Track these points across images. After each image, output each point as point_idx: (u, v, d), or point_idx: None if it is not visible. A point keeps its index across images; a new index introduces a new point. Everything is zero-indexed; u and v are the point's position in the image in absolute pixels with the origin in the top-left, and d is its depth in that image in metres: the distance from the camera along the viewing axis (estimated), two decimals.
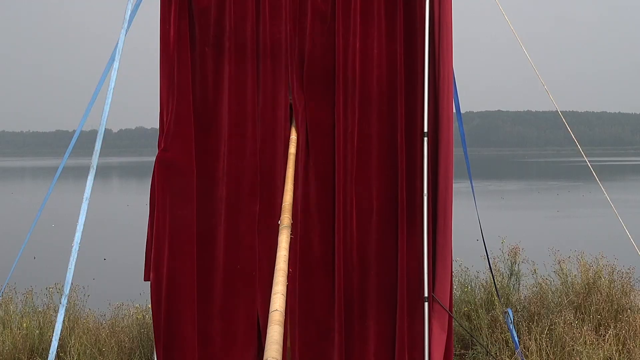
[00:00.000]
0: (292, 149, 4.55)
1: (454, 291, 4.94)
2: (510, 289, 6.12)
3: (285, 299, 3.27)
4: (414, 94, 4.96)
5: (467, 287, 6.07)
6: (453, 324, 4.50)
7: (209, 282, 4.85)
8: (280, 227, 3.95)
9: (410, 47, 4.97)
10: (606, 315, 5.47)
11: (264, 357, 2.81)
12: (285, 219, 4.02)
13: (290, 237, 4.15)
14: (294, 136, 4.60)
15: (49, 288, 6.17)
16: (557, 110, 5.16)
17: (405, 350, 4.78)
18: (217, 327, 4.84)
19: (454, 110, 4.93)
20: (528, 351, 4.88)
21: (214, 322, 4.82)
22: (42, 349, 5.28)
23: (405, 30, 4.98)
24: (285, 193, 4.27)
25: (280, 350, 2.86)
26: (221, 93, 5.01)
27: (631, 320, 5.22)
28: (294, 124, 4.64)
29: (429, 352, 4.30)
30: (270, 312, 3.11)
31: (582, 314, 5.52)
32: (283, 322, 3.07)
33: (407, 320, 4.78)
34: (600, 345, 4.94)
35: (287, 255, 3.72)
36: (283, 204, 4.17)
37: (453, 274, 4.96)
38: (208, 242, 4.88)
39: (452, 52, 4.57)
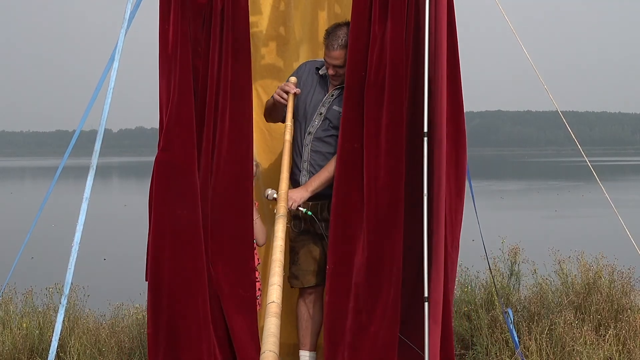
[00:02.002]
0: (288, 136, 4.45)
1: (454, 291, 4.92)
2: (510, 289, 6.11)
3: (282, 290, 3.24)
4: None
5: (467, 287, 6.07)
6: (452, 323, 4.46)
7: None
8: (276, 216, 3.88)
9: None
10: (606, 315, 5.47)
11: (261, 350, 2.81)
12: (281, 207, 3.94)
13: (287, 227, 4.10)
14: (289, 122, 4.51)
15: (49, 288, 6.15)
16: (557, 110, 5.15)
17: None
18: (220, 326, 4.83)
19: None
20: (528, 351, 4.88)
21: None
22: (42, 349, 5.27)
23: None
24: (280, 181, 4.17)
25: (277, 342, 2.85)
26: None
27: (631, 320, 5.21)
28: (289, 110, 4.53)
29: (429, 352, 4.28)
30: (267, 304, 3.10)
31: (582, 314, 5.52)
32: (280, 314, 3.05)
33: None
34: (600, 345, 4.94)
35: (284, 245, 3.67)
36: (279, 192, 4.09)
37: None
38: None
39: (447, 49, 4.49)
